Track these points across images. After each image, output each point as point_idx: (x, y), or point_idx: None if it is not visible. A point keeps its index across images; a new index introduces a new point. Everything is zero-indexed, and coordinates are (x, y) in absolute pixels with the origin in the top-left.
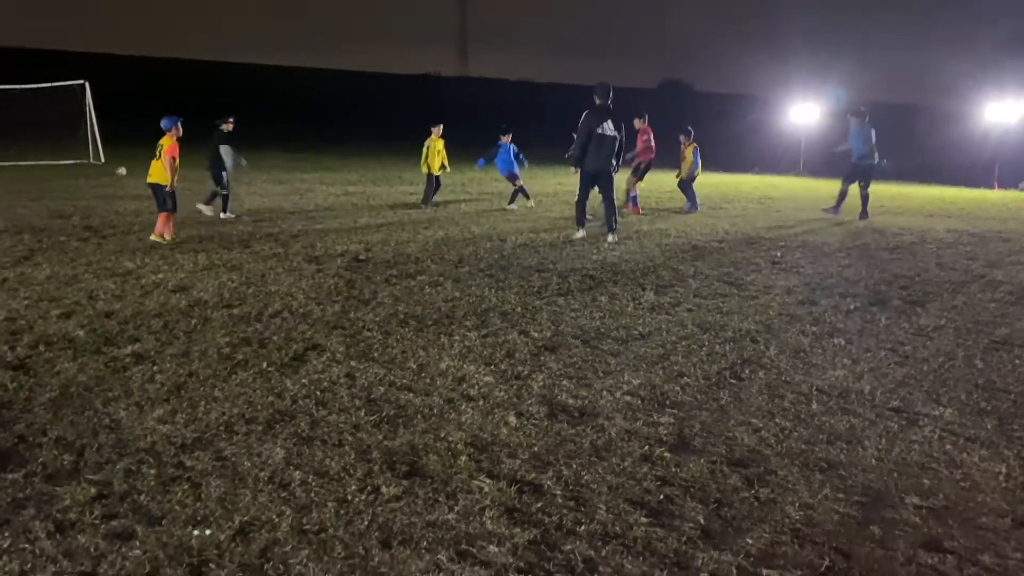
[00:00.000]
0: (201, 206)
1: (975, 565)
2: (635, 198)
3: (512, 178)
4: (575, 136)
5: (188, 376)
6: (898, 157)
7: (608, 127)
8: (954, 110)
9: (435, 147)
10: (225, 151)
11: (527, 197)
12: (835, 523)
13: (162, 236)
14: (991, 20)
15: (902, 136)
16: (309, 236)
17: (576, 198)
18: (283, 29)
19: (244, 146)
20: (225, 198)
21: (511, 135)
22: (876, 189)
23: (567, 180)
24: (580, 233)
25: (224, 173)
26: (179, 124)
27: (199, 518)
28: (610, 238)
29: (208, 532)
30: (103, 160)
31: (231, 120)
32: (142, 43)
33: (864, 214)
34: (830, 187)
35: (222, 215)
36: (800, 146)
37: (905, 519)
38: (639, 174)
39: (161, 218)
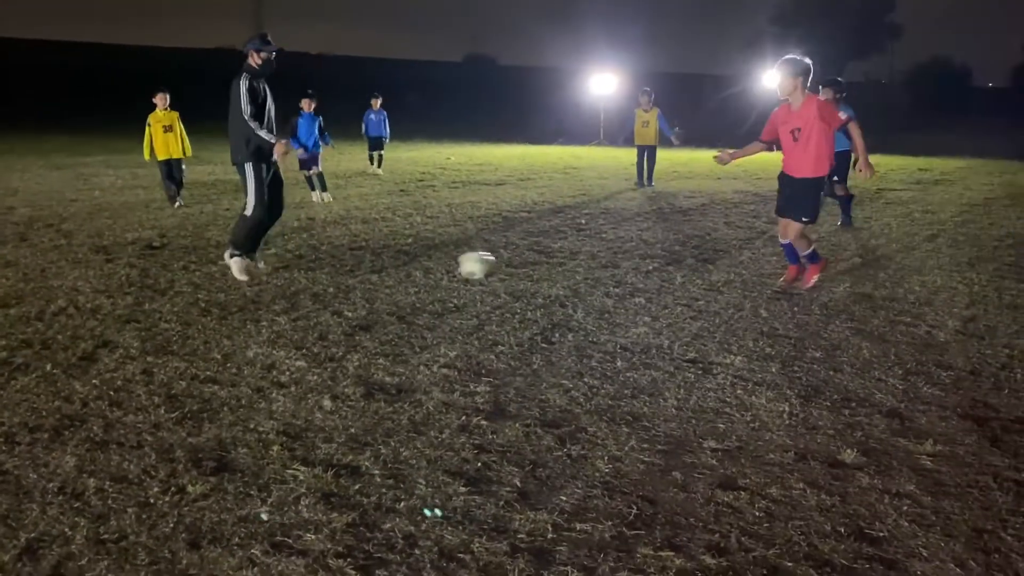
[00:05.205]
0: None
1: (765, 498)
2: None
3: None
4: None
5: None
6: (687, 124)
7: None
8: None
9: (158, 124)
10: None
11: (314, 189)
12: (641, 472)
13: None
14: None
15: (691, 104)
16: (95, 224)
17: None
18: (57, 3)
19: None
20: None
21: (315, 103)
22: (670, 156)
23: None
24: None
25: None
26: None
27: None
28: None
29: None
30: None
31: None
32: None
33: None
34: (629, 155)
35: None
36: (600, 116)
37: (704, 462)
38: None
39: None
